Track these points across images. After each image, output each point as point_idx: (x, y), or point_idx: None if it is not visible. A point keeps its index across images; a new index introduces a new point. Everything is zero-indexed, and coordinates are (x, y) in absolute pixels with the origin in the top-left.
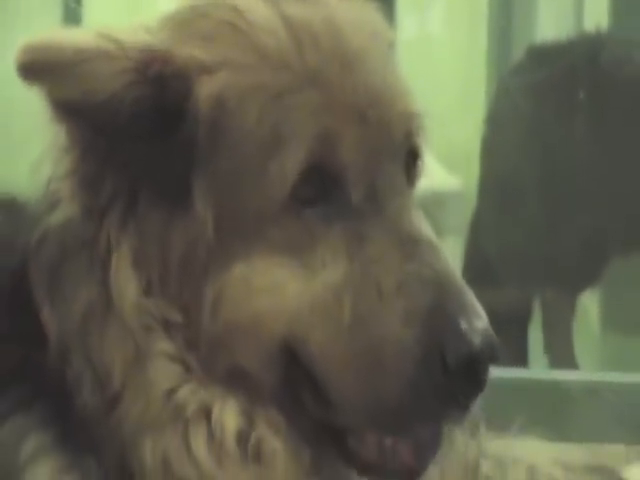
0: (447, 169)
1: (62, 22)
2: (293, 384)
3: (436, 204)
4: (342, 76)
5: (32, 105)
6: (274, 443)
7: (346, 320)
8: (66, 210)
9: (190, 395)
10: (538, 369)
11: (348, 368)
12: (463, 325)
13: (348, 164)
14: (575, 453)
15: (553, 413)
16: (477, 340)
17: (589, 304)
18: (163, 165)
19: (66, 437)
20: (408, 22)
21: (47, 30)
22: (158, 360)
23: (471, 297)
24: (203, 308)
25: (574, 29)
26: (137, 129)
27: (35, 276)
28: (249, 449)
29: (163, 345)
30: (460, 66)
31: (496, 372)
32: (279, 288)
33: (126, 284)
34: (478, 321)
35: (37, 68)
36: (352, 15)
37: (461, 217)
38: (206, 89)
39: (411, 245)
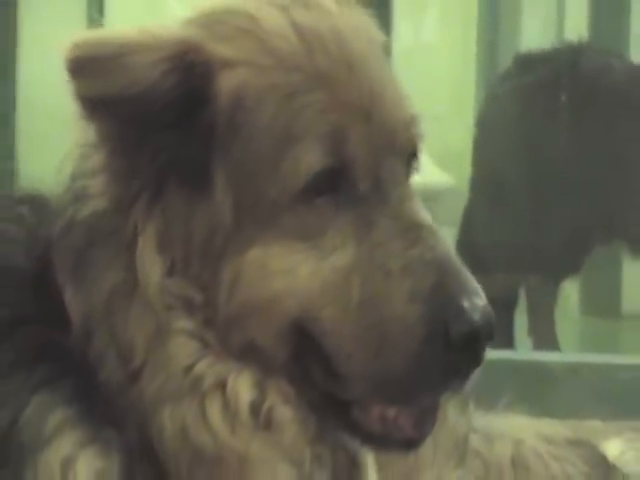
0: (440, 167)
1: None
2: (303, 359)
3: (431, 198)
4: (348, 78)
5: (56, 105)
6: (284, 412)
7: (355, 299)
8: (95, 204)
9: (207, 368)
10: (523, 351)
11: (357, 343)
12: (464, 303)
13: (355, 158)
14: (557, 428)
15: (537, 391)
16: (477, 316)
17: (570, 290)
18: (187, 152)
19: (89, 412)
20: (404, 31)
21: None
22: (178, 337)
23: (470, 277)
24: (220, 289)
25: (556, 39)
26: (167, 117)
27: (59, 262)
28: (261, 418)
29: (183, 323)
30: (452, 72)
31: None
32: (293, 271)
33: (151, 267)
34: (477, 299)
35: (86, 62)
36: (352, 22)
37: (454, 210)
38: (226, 82)
39: (414, 231)
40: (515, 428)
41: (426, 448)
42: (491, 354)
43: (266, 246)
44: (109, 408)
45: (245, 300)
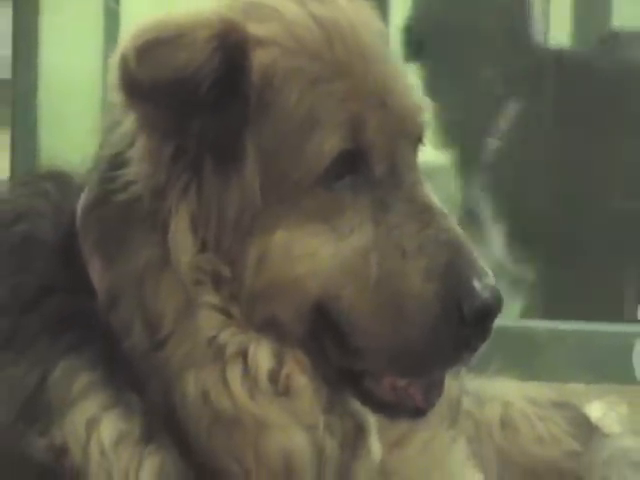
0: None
1: (103, 21)
2: (318, 336)
3: (425, 175)
4: (364, 68)
5: (74, 90)
6: (301, 379)
7: (373, 278)
8: (134, 189)
9: (230, 337)
10: (511, 318)
11: (375, 320)
12: (476, 282)
13: (373, 144)
14: (543, 391)
15: (524, 357)
16: (487, 294)
17: None
18: (223, 132)
19: (112, 376)
20: (398, 23)
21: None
22: (205, 310)
23: (479, 257)
24: (247, 266)
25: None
26: (209, 98)
27: (84, 235)
28: (279, 385)
29: (210, 297)
30: None
31: None
32: (315, 254)
33: (183, 246)
34: (487, 278)
35: (151, 45)
36: (362, 15)
37: (445, 187)
38: (258, 60)
39: (427, 213)
40: (504, 391)
41: None
42: None
43: (290, 229)
44: (131, 373)
45: (270, 280)
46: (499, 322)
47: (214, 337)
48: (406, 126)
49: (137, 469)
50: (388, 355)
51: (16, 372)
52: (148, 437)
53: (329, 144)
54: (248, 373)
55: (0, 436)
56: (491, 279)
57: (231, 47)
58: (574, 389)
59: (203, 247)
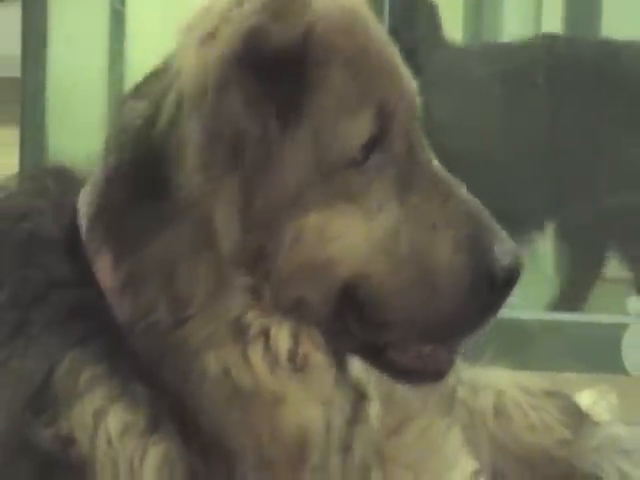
0: None
1: (109, 22)
2: (343, 314)
3: None
4: (380, 52)
5: (87, 88)
6: (317, 357)
7: (403, 254)
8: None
9: (254, 319)
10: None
11: (406, 295)
12: (501, 248)
13: (394, 125)
14: (535, 380)
15: (517, 346)
16: (511, 260)
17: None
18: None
19: (117, 369)
20: None
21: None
22: (235, 292)
23: (498, 225)
24: (280, 246)
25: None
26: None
27: (93, 230)
28: (297, 363)
29: (242, 279)
30: None
31: None
32: (347, 235)
33: (226, 228)
34: (509, 244)
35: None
36: (364, 5)
37: None
38: (314, 31)
39: (446, 187)
40: (497, 380)
41: (417, 399)
42: None
43: (322, 210)
44: (137, 365)
45: (303, 261)
46: None
47: (239, 317)
48: (414, 108)
49: (142, 458)
50: (418, 327)
51: (24, 365)
52: (153, 427)
53: (359, 127)
54: (269, 351)
55: (7, 426)
56: (512, 243)
57: (303, 25)
58: (565, 378)
59: (244, 230)
